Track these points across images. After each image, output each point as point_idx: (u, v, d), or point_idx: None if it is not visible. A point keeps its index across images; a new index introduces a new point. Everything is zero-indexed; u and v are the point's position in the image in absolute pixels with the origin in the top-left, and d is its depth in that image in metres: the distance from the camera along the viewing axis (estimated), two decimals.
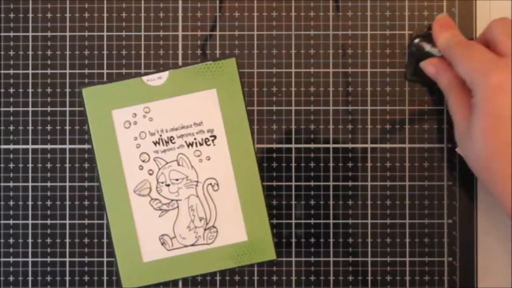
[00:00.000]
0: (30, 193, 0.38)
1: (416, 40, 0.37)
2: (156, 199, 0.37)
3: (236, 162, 0.37)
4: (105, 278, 0.37)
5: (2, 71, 0.38)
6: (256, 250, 0.37)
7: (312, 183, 0.38)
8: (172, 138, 0.37)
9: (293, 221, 0.38)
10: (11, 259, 0.37)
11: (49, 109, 0.38)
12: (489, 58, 0.31)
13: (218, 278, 0.38)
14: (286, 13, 0.38)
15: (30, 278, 0.37)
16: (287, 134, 0.38)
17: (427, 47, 0.36)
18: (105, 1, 0.38)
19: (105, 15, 0.38)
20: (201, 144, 0.37)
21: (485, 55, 0.31)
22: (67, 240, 0.37)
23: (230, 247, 0.37)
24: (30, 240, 0.38)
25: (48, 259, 0.37)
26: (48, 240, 0.37)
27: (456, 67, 0.32)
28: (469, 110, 0.32)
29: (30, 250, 0.38)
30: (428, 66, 0.36)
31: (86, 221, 0.38)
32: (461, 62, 0.32)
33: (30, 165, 0.38)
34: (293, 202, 0.38)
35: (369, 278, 0.38)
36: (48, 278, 0.37)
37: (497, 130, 0.29)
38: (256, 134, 0.38)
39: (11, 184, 0.38)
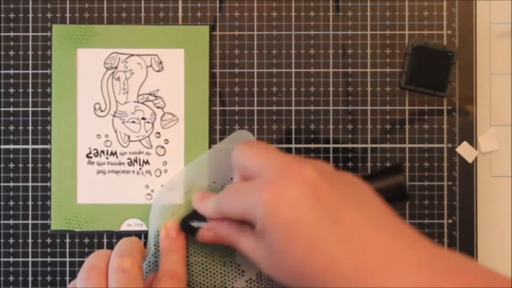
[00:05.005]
0: (30, 193, 0.38)
1: (183, 220, 0.35)
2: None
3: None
4: None
5: (2, 71, 0.38)
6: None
7: None
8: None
9: None
10: (11, 259, 0.37)
11: (49, 109, 0.38)
12: (251, 185, 0.29)
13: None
14: (286, 13, 0.38)
15: (30, 278, 0.37)
16: (287, 134, 0.38)
17: (196, 224, 0.34)
18: (105, 1, 0.38)
19: (105, 15, 0.38)
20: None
21: (246, 187, 0.29)
22: (67, 240, 0.37)
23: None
24: (30, 240, 0.38)
25: (48, 259, 0.37)
26: (48, 240, 0.37)
27: (233, 213, 0.30)
28: (261, 246, 0.29)
29: (30, 250, 0.38)
30: (204, 233, 0.33)
31: None
32: (233, 205, 0.30)
33: (30, 165, 0.38)
34: None
35: None
36: (48, 278, 0.37)
37: (296, 238, 0.27)
38: (256, 134, 0.38)
39: (11, 184, 0.38)
